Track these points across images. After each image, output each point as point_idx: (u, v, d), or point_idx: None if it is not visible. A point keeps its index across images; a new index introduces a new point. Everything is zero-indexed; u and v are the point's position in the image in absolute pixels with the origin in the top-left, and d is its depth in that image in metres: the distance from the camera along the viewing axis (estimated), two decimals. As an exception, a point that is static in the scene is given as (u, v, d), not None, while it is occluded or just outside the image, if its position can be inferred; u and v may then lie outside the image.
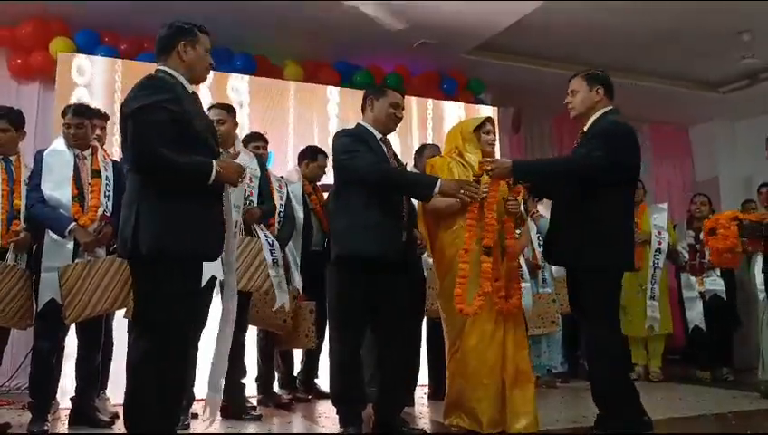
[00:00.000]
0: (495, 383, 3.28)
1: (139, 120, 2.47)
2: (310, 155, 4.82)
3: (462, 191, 3.14)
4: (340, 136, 3.39)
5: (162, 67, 2.67)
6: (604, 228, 3.08)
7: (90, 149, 3.74)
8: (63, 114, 3.77)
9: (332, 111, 5.99)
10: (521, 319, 3.47)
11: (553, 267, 5.05)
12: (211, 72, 2.85)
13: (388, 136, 3.47)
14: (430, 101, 6.48)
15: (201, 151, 2.58)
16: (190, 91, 2.70)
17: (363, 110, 3.47)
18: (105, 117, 4.14)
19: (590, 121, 3.22)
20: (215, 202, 2.66)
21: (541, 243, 4.85)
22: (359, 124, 3.46)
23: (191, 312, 2.63)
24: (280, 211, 4.22)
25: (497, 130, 3.97)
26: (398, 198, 3.33)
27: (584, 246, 3.10)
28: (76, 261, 3.46)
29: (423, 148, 4.67)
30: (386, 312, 3.30)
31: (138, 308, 2.63)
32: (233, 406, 3.81)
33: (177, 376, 2.64)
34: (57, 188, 3.57)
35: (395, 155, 3.52)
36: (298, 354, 4.78)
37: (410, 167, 4.32)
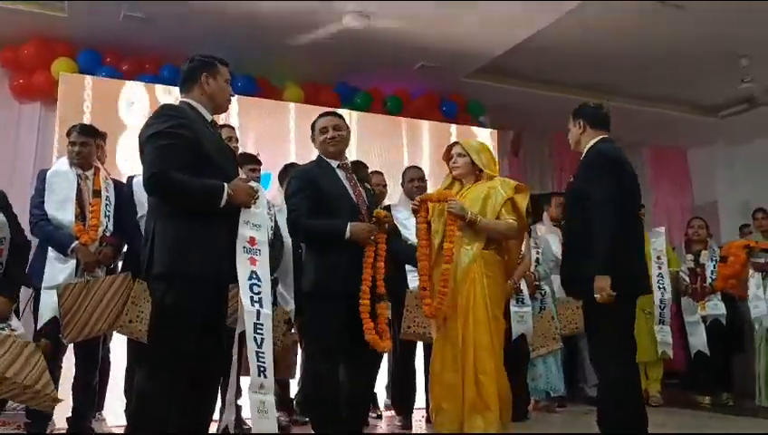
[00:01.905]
0: (454, 408, 3.23)
1: (153, 146, 2.57)
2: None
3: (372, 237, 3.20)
4: (291, 177, 3.45)
5: (184, 99, 2.79)
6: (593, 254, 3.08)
7: (92, 169, 3.78)
8: (68, 134, 3.80)
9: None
10: (486, 344, 3.24)
11: (555, 286, 5.02)
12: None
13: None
14: (453, 126, 6.58)
15: (215, 175, 2.63)
16: (209, 120, 2.79)
17: (314, 140, 3.43)
18: (103, 136, 4.16)
19: (584, 152, 3.35)
20: (227, 224, 2.67)
21: (539, 259, 5.00)
22: (319, 156, 3.41)
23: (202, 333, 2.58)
24: (270, 235, 4.14)
25: (495, 153, 3.96)
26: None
27: (579, 275, 3.16)
28: (75, 280, 3.46)
29: (407, 170, 4.69)
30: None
31: (150, 327, 2.66)
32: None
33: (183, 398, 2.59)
34: (60, 208, 3.61)
35: (357, 177, 3.46)
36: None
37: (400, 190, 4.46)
